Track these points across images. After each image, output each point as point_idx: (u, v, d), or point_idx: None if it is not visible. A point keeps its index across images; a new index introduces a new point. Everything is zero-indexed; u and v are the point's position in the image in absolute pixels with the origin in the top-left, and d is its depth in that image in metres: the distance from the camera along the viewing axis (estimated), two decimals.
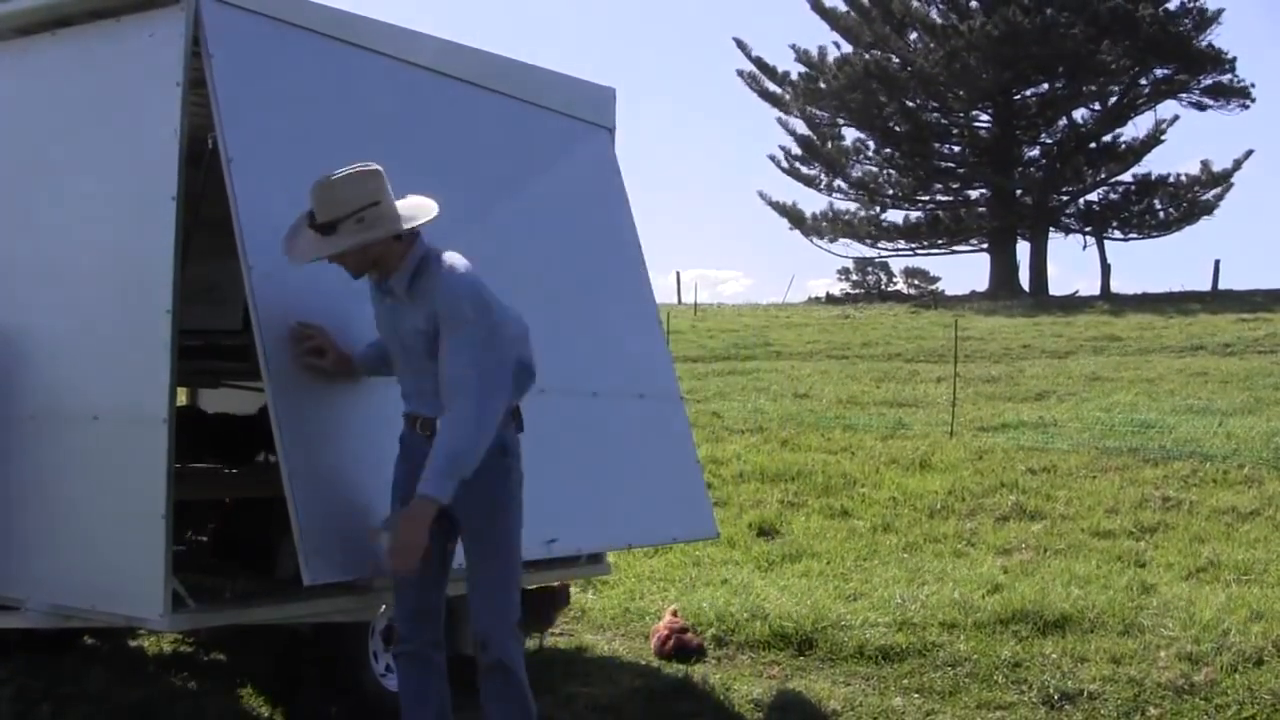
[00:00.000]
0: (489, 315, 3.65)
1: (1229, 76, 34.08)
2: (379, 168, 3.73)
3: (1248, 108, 34.51)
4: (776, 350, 21.41)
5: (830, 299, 38.07)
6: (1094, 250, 36.33)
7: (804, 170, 38.75)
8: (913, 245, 39.11)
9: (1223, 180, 34.82)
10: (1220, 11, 33.60)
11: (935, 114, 36.97)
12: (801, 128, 38.13)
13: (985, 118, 36.69)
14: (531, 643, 5.94)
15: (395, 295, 3.76)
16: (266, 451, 5.82)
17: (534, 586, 5.50)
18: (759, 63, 38.00)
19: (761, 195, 47.35)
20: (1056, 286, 40.08)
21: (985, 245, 37.35)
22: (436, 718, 3.92)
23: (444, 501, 3.55)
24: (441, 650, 3.91)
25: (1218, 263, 33.69)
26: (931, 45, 34.84)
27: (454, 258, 3.73)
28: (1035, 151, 37.05)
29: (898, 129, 36.57)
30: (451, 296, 3.63)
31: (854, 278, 49.21)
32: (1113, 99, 35.16)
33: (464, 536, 3.84)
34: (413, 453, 3.83)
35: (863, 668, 5.51)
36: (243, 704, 4.96)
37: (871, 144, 37.75)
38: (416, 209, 3.77)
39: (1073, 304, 29.49)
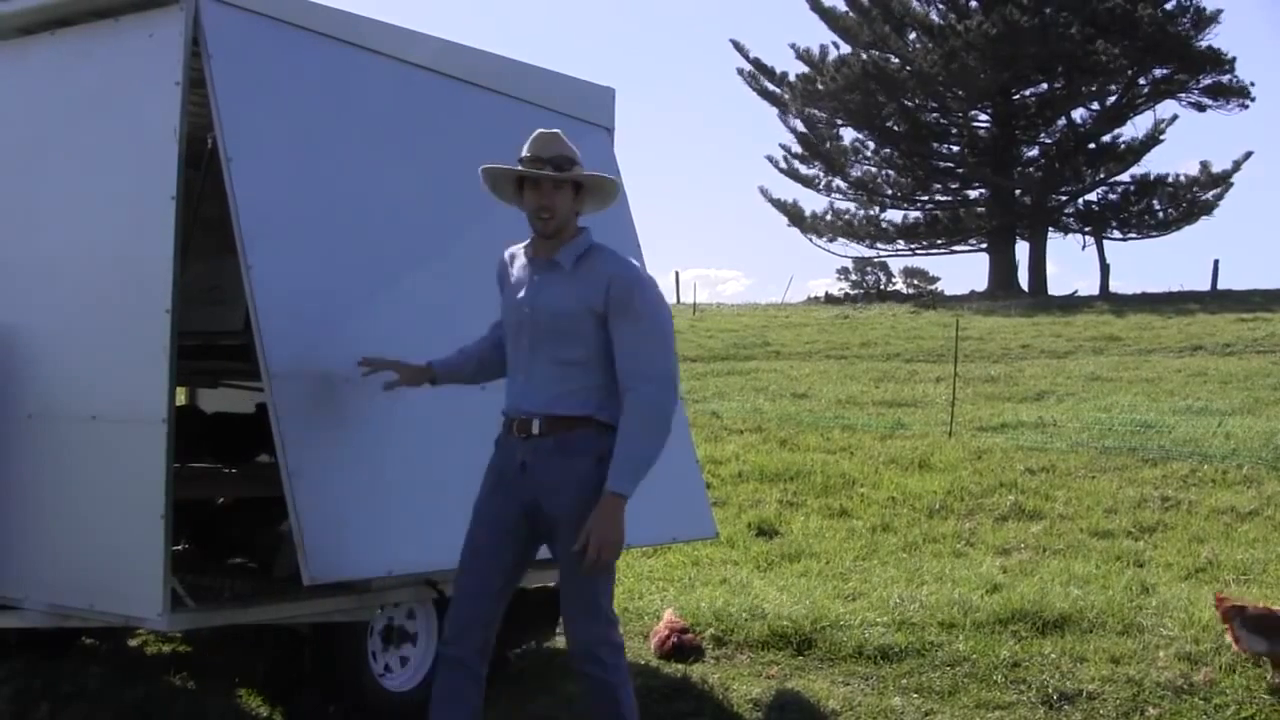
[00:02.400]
0: (663, 311, 3.63)
1: (1228, 77, 34.09)
2: None
3: (1247, 108, 34.56)
4: (775, 350, 21.41)
5: (829, 299, 38.07)
6: (1093, 250, 36.38)
7: (803, 170, 38.79)
8: (912, 245, 39.13)
9: (1222, 180, 34.84)
10: (1219, 11, 33.64)
11: (934, 114, 36.99)
12: (800, 127, 38.18)
13: (984, 118, 36.71)
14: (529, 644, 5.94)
15: (557, 268, 3.66)
16: (266, 451, 5.83)
17: (535, 586, 5.51)
18: (757, 63, 38.04)
19: (762, 191, 47.40)
20: (1056, 286, 40.17)
21: (984, 245, 37.37)
22: (458, 708, 3.74)
23: (629, 495, 3.48)
24: (485, 658, 3.77)
25: (1217, 263, 33.73)
26: (930, 45, 34.85)
27: (619, 253, 3.70)
28: (1034, 151, 37.09)
29: (896, 129, 36.58)
30: (631, 283, 3.59)
31: (853, 278, 49.23)
32: (1112, 99, 35.17)
33: (561, 547, 3.63)
34: (507, 459, 3.72)
35: (861, 668, 5.51)
36: (241, 704, 4.96)
37: (870, 144, 37.79)
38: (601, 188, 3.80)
39: (1072, 304, 29.50)
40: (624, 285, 3.57)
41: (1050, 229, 36.56)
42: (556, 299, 3.63)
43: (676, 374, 3.62)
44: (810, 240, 39.46)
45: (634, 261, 3.69)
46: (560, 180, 3.65)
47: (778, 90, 38.04)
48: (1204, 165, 35.07)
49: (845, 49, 37.10)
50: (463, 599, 3.76)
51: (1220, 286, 31.79)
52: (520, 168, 3.68)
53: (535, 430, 3.64)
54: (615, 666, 3.67)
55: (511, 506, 3.70)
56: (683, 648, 5.68)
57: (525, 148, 3.70)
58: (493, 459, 3.81)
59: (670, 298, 34.41)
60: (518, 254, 3.85)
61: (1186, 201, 35.25)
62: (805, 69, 37.17)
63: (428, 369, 4.03)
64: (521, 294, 3.73)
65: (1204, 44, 33.86)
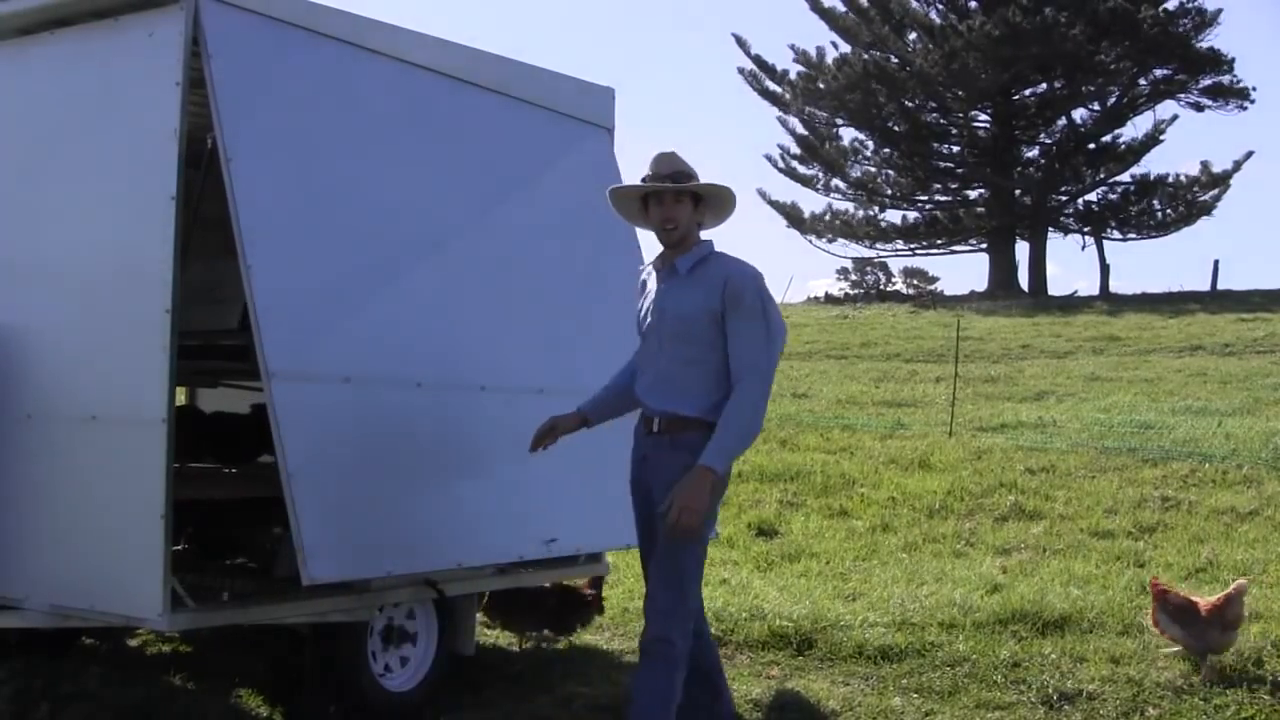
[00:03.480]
0: (772, 309, 3.89)
1: (1228, 77, 34.07)
2: None
3: (1246, 109, 34.54)
4: None
5: (829, 299, 38.06)
6: (1093, 250, 36.32)
7: (802, 170, 38.75)
8: (911, 245, 39.09)
9: (1222, 181, 34.81)
10: (1219, 12, 33.62)
11: (934, 114, 36.95)
12: (800, 128, 38.17)
13: (984, 118, 36.68)
14: (529, 644, 5.94)
15: (676, 274, 3.98)
16: (267, 451, 5.83)
17: (547, 584, 5.53)
18: (758, 61, 38.03)
19: (761, 194, 47.31)
20: (1055, 286, 40.14)
21: (984, 245, 37.34)
22: (702, 678, 4.05)
23: (719, 474, 3.74)
24: (699, 619, 4.07)
25: (1217, 263, 33.66)
26: (930, 45, 34.81)
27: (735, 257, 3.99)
28: (1034, 152, 37.04)
29: (896, 129, 36.54)
30: (745, 282, 3.88)
31: (853, 278, 49.21)
32: (1112, 99, 35.14)
33: (661, 533, 3.89)
34: (635, 452, 4.04)
35: (861, 668, 5.50)
36: (241, 704, 4.96)
37: (870, 144, 37.75)
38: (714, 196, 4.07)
39: (1072, 304, 29.48)
40: (738, 285, 3.88)
41: (1050, 229, 36.52)
42: (678, 303, 3.95)
43: (773, 371, 3.90)
44: (810, 241, 39.44)
45: (743, 261, 3.97)
46: (679, 193, 3.95)
47: (778, 89, 38.03)
48: (1204, 165, 35.04)
49: (845, 48, 37.11)
50: (651, 592, 4.01)
51: (1220, 287, 31.76)
52: (643, 185, 3.99)
53: (655, 428, 3.97)
54: (681, 653, 3.87)
55: (641, 492, 4.05)
56: None
57: (647, 167, 4.01)
58: (634, 458, 4.13)
59: None
60: (650, 268, 4.18)
61: (1186, 202, 35.22)
62: (805, 69, 37.16)
63: (580, 416, 4.28)
64: (651, 300, 4.07)
65: (1204, 44, 33.86)
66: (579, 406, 4.28)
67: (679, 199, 3.94)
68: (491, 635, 5.91)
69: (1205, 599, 5.37)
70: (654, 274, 4.10)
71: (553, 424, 4.22)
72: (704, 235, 4.07)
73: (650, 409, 3.98)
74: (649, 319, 4.04)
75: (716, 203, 4.04)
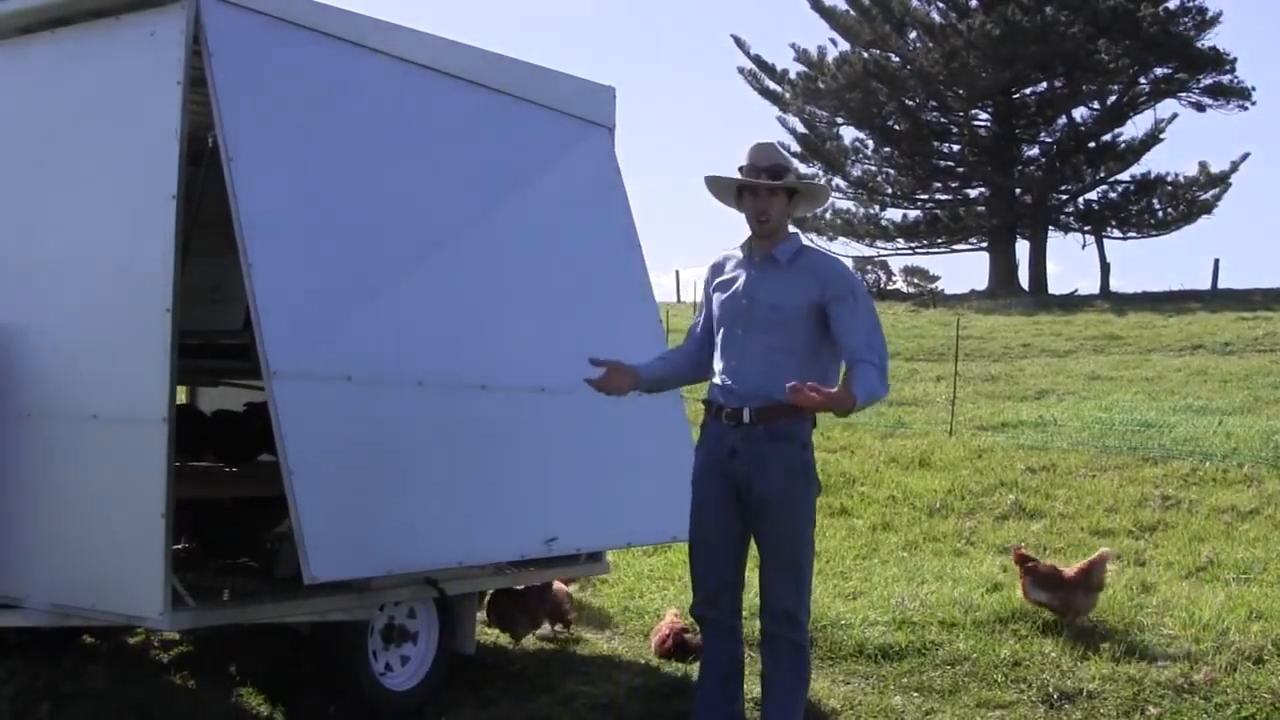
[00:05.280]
0: (864, 294, 4.07)
1: (1229, 77, 34.07)
2: None
3: (1247, 108, 34.53)
4: None
5: None
6: (1093, 249, 36.30)
7: (802, 169, 38.73)
8: (912, 244, 39.07)
9: (1221, 180, 34.81)
10: (1220, 12, 33.62)
11: (934, 113, 36.93)
12: (800, 127, 38.15)
13: (985, 117, 36.66)
14: (524, 641, 5.94)
15: (774, 263, 4.04)
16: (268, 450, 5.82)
17: (521, 587, 5.52)
18: (758, 60, 38.02)
19: None
20: (1056, 285, 40.07)
21: (985, 244, 37.32)
22: (723, 678, 4.12)
23: (856, 405, 3.75)
24: (738, 615, 4.15)
25: (1217, 262, 33.71)
26: (931, 44, 34.80)
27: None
28: (1035, 150, 37.01)
29: (897, 128, 36.53)
30: (848, 276, 4.09)
31: None
32: (1112, 98, 35.11)
33: (772, 525, 3.98)
34: (716, 444, 4.04)
35: (862, 666, 5.50)
36: (242, 703, 4.96)
37: (871, 143, 37.74)
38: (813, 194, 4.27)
39: (1072, 303, 29.48)
40: (843, 278, 4.04)
41: (1051, 228, 36.51)
42: (775, 292, 4.01)
43: (886, 350, 4.03)
44: (810, 240, 39.39)
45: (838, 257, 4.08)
46: (775, 187, 4.01)
47: (778, 89, 38.02)
48: (1203, 165, 35.05)
49: (845, 47, 37.10)
50: (703, 570, 4.10)
51: (1221, 285, 31.76)
52: (741, 177, 4.04)
53: (746, 419, 3.95)
54: (807, 633, 4.06)
55: (725, 485, 4.02)
56: (683, 647, 5.67)
57: (745, 157, 4.05)
58: (701, 442, 4.14)
59: (670, 297, 34.31)
60: (732, 255, 4.20)
61: (1186, 201, 35.21)
62: (805, 69, 37.16)
63: (634, 374, 4.20)
64: (739, 286, 4.08)
65: (1205, 44, 33.85)
66: (637, 365, 4.21)
67: (774, 191, 4.00)
68: (492, 634, 5.91)
69: (1070, 566, 5.96)
70: (738, 260, 4.13)
71: (615, 364, 4.15)
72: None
73: (738, 396, 3.98)
74: (731, 305, 4.07)
75: (809, 197, 4.18)
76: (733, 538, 4.07)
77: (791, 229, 4.11)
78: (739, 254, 4.15)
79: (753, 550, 4.11)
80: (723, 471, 4.01)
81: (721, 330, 4.10)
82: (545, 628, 5.98)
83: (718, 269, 4.21)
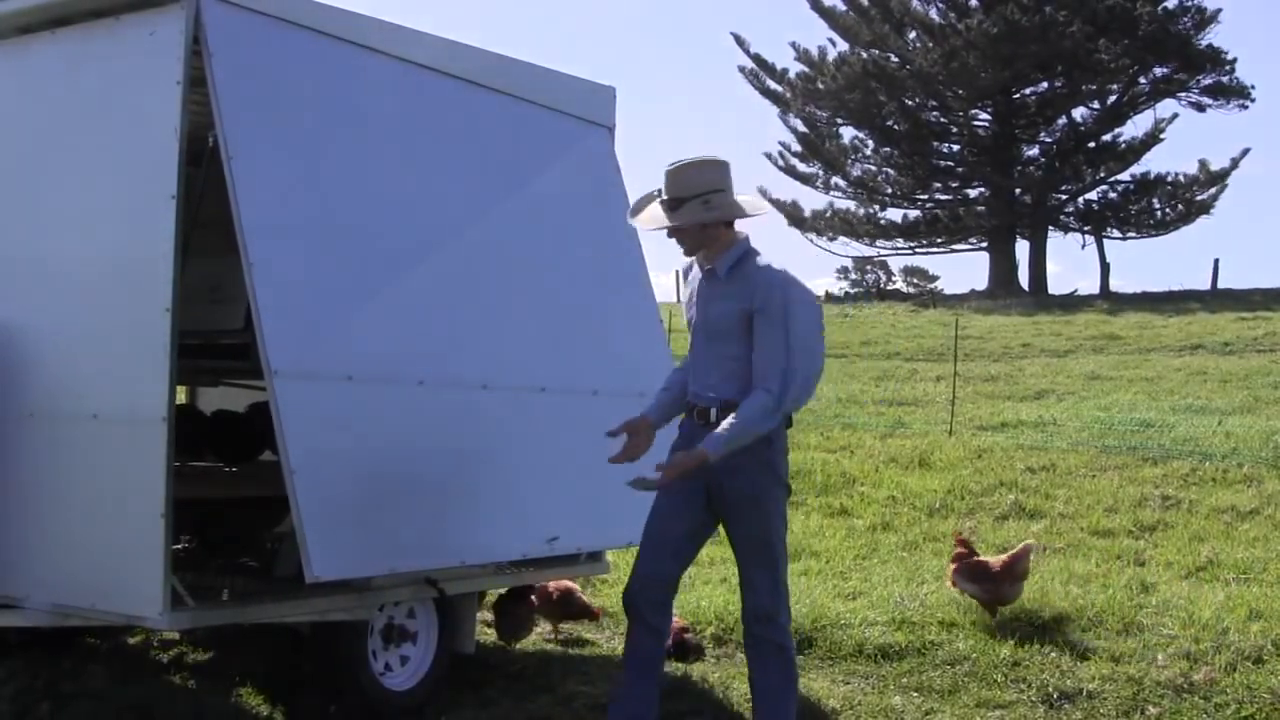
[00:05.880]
0: (785, 313, 3.92)
1: (1228, 76, 34.07)
2: (726, 160, 4.05)
3: (1246, 108, 34.54)
4: None
5: (830, 298, 38.06)
6: (1093, 249, 36.32)
7: (802, 169, 38.75)
8: (912, 244, 39.08)
9: (1220, 179, 34.82)
10: (1219, 11, 33.62)
11: (934, 113, 36.94)
12: (800, 127, 38.15)
13: (984, 117, 36.66)
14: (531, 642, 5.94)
15: (714, 276, 4.06)
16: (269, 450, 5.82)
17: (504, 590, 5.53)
18: (758, 60, 38.03)
19: (761, 192, 47.27)
20: (1056, 285, 40.17)
21: (984, 244, 37.33)
22: (640, 668, 4.17)
23: (713, 460, 3.86)
24: (663, 615, 4.20)
25: (1217, 261, 33.76)
26: (930, 44, 34.81)
27: (772, 260, 4.03)
28: (1034, 150, 37.02)
29: (896, 128, 36.53)
30: (776, 288, 3.95)
31: (853, 276, 49.22)
32: (1112, 98, 35.13)
33: (744, 523, 4.08)
34: (687, 443, 4.08)
35: (862, 666, 5.50)
36: (242, 703, 4.96)
37: (870, 143, 37.75)
38: (753, 204, 4.13)
39: (1072, 303, 29.47)
40: (769, 291, 3.94)
41: (1050, 228, 36.52)
42: (714, 305, 4.06)
43: (799, 376, 3.91)
44: (810, 240, 39.43)
45: (775, 266, 3.99)
46: (667, 227, 4.03)
47: (778, 88, 38.04)
48: (1203, 164, 35.06)
49: (845, 47, 37.10)
50: (644, 556, 4.19)
51: (1220, 285, 31.77)
52: (633, 216, 4.14)
53: (713, 418, 4.01)
54: (789, 633, 4.12)
55: (693, 484, 4.03)
56: (683, 647, 5.68)
57: (662, 180, 4.06)
58: (675, 441, 4.19)
59: (670, 297, 34.36)
60: (695, 260, 4.21)
61: (1186, 200, 35.22)
62: (805, 69, 37.17)
63: (647, 421, 4.25)
64: (695, 298, 4.17)
65: (1204, 43, 33.86)
66: (643, 412, 4.28)
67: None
68: (491, 634, 5.91)
69: (996, 557, 6.17)
70: (697, 271, 4.19)
71: (631, 426, 4.20)
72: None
73: (705, 400, 4.08)
74: (690, 315, 4.18)
75: (723, 209, 4.04)
76: (678, 535, 4.14)
77: (741, 233, 4.09)
78: (697, 263, 4.20)
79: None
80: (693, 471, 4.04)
81: (691, 339, 4.21)
82: (543, 627, 5.99)
83: (688, 274, 4.27)
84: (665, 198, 4.03)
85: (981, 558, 6.17)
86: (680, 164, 4.03)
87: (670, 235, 4.08)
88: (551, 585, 5.84)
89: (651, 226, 4.09)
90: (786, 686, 4.13)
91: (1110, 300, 29.62)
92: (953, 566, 6.15)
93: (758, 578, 4.08)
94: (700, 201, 3.97)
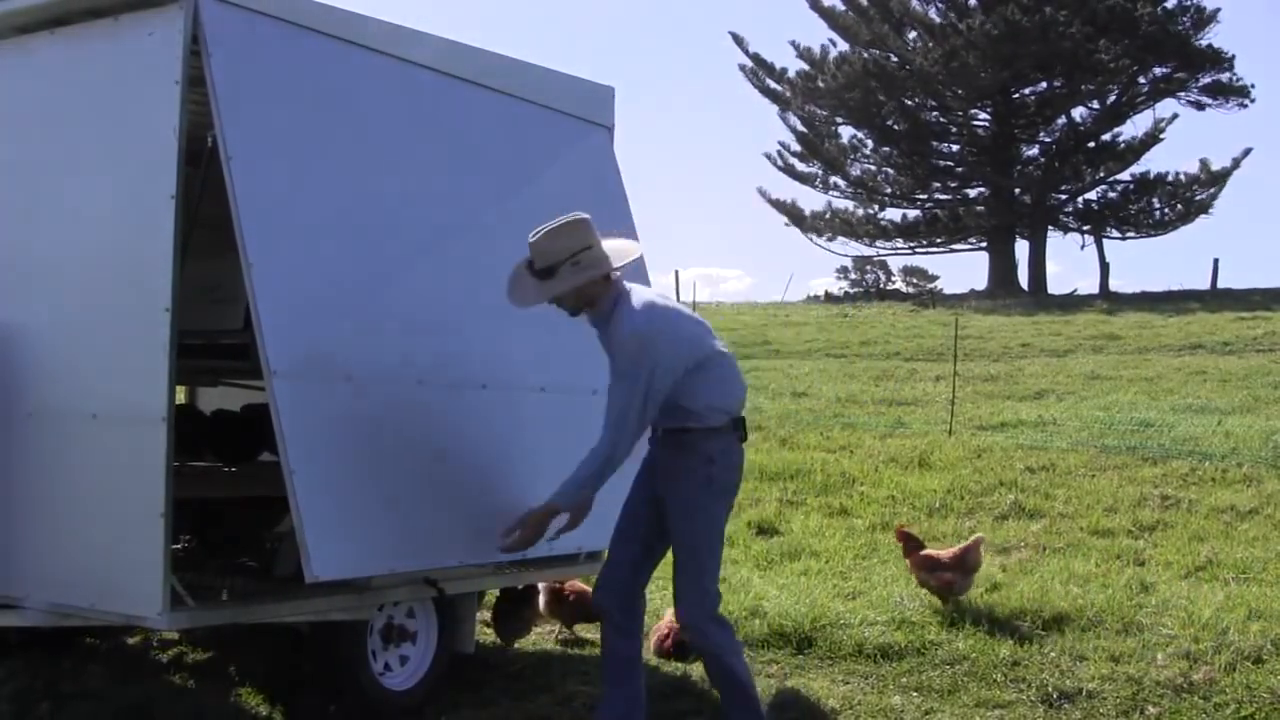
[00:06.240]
0: (639, 367, 4.04)
1: (1228, 75, 34.09)
2: (587, 216, 4.18)
3: (1246, 107, 34.55)
4: (775, 349, 21.41)
5: (829, 298, 38.06)
6: (1092, 249, 36.36)
7: (801, 168, 38.77)
8: (911, 244, 39.11)
9: (1220, 179, 34.84)
10: (1218, 10, 33.64)
11: (934, 113, 36.97)
12: (800, 126, 38.17)
13: (984, 116, 36.69)
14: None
15: (600, 328, 4.25)
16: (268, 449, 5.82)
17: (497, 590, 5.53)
18: (757, 59, 38.06)
19: (761, 192, 47.33)
20: (1055, 285, 40.17)
21: (984, 244, 37.36)
22: (617, 670, 4.36)
23: (563, 509, 4.19)
24: (631, 613, 4.40)
25: (1216, 261, 33.78)
26: (930, 44, 34.83)
27: (638, 298, 4.15)
28: (1034, 150, 37.07)
29: (896, 127, 36.56)
30: (617, 341, 4.11)
31: (853, 276, 49.19)
32: (1111, 98, 35.15)
33: (672, 530, 4.27)
34: (648, 457, 4.38)
35: (861, 666, 5.50)
36: (242, 703, 4.96)
37: (870, 142, 37.77)
38: (621, 251, 4.25)
39: (1071, 303, 29.49)
40: (613, 344, 4.13)
41: (1050, 228, 36.55)
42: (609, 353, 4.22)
43: (628, 426, 4.09)
44: (810, 239, 39.46)
45: (631, 313, 4.10)
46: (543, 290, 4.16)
47: (778, 87, 38.05)
48: (1203, 164, 35.08)
49: (845, 47, 37.12)
50: (609, 559, 4.45)
51: (1220, 285, 31.80)
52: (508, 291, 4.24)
53: (658, 434, 4.31)
54: (720, 640, 4.27)
55: (645, 493, 4.36)
56: (683, 646, 5.66)
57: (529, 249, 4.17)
58: (645, 457, 4.43)
59: (670, 296, 34.52)
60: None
61: (1185, 200, 35.24)
62: (805, 67, 37.19)
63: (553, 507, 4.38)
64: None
65: (1204, 43, 33.88)
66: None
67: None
68: (491, 634, 5.91)
69: (948, 550, 6.46)
70: None
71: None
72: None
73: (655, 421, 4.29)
74: None
75: (593, 267, 4.13)
76: (638, 538, 4.37)
77: (618, 282, 4.20)
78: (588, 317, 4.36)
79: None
80: (646, 481, 4.36)
81: None
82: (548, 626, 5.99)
83: None
84: (536, 268, 4.13)
85: (930, 550, 6.45)
86: (543, 231, 4.12)
87: (552, 303, 4.20)
88: (566, 587, 5.84)
89: (531, 303, 4.19)
90: (730, 688, 4.29)
91: (1110, 300, 29.64)
92: (908, 558, 6.44)
93: (684, 587, 4.25)
94: (571, 264, 4.08)
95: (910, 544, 6.49)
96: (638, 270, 5.75)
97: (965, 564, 6.28)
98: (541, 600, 5.89)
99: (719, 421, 4.21)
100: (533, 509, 4.22)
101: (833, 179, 38.26)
